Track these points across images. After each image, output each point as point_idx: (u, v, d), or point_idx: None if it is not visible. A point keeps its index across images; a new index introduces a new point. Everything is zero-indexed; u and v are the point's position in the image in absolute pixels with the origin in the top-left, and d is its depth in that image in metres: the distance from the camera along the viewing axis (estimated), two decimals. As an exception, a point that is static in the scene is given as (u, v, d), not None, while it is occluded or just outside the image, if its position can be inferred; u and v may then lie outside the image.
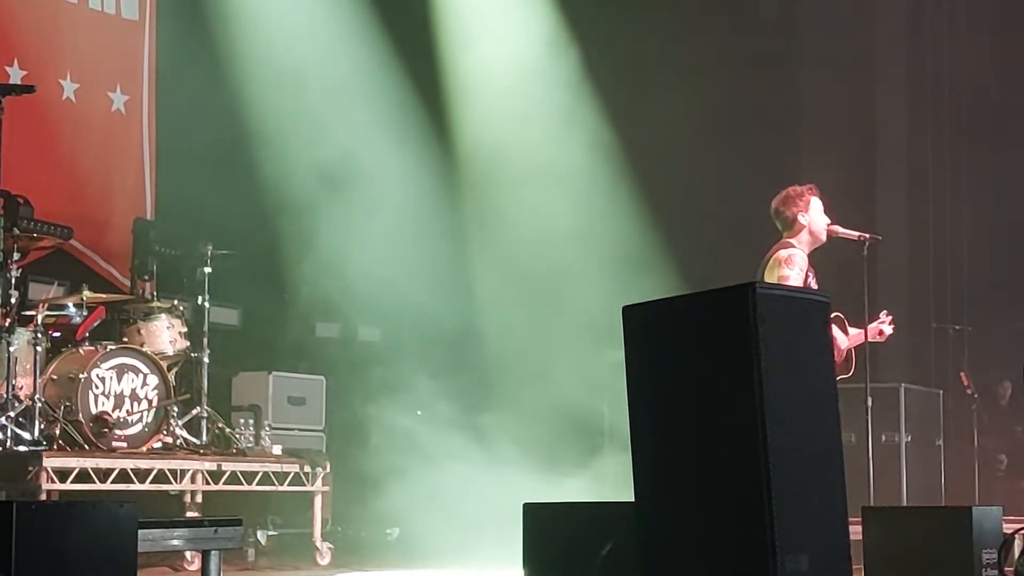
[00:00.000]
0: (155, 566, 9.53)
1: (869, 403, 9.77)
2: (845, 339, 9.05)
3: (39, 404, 9.42)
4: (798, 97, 15.04)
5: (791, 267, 8.73)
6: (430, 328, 12.74)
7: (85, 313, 10.14)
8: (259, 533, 10.99)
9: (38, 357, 9.53)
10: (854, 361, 9.22)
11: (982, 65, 14.73)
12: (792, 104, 14.97)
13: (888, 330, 9.49)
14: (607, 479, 11.80)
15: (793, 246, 8.92)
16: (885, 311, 9.58)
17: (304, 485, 10.80)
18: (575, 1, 13.85)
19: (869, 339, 9.42)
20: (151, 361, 10.17)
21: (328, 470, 10.97)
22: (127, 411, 9.98)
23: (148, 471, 9.73)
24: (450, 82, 13.71)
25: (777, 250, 8.93)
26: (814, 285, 8.72)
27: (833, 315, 6.68)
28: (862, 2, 14.78)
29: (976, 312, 14.08)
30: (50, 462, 9.15)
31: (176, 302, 10.79)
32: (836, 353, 8.32)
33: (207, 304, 10.82)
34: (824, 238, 9.11)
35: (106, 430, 9.76)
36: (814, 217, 9.03)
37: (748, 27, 14.81)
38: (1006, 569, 7.85)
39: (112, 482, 9.48)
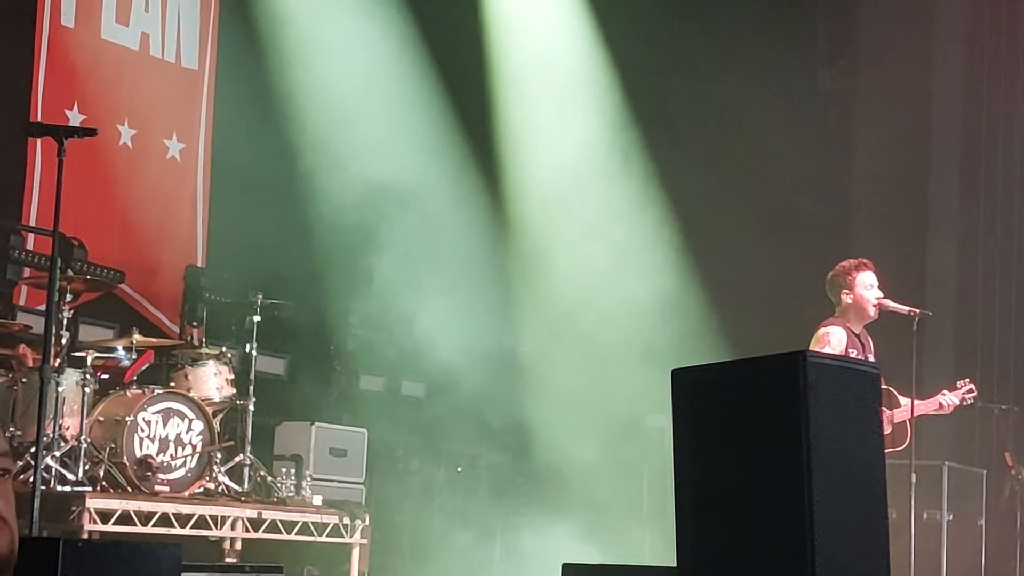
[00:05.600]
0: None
1: (913, 479, 9.72)
2: (891, 414, 9.11)
3: (84, 445, 9.47)
4: (851, 168, 15.05)
5: (823, 347, 8.90)
6: (473, 385, 12.76)
7: (134, 356, 10.21)
8: (296, 583, 11.00)
9: (86, 398, 9.58)
10: (909, 434, 9.25)
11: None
12: (845, 175, 14.98)
13: (950, 401, 9.53)
14: (646, 542, 11.79)
15: (836, 324, 9.05)
16: (967, 380, 9.66)
17: (343, 537, 10.79)
18: (632, 66, 13.95)
19: (931, 411, 9.49)
20: (197, 407, 10.21)
21: (367, 523, 10.95)
22: (171, 455, 10.01)
23: (189, 516, 9.76)
24: (502, 141, 13.79)
25: (820, 327, 9.08)
26: (860, 360, 8.78)
27: (882, 388, 6.70)
28: (918, 73, 14.76)
29: (1023, 393, 13.98)
30: (93, 503, 9.18)
31: (224, 349, 10.84)
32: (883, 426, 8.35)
33: (255, 352, 10.86)
34: (873, 313, 9.18)
35: (149, 473, 9.80)
36: (860, 293, 9.14)
37: (803, 98, 14.85)
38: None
39: (153, 526, 9.50)
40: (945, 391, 9.64)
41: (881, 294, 9.19)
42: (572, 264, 13.32)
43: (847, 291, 9.14)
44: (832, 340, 8.93)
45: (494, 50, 13.85)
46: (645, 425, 13.20)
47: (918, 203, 14.91)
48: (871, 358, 9.01)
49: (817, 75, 15.45)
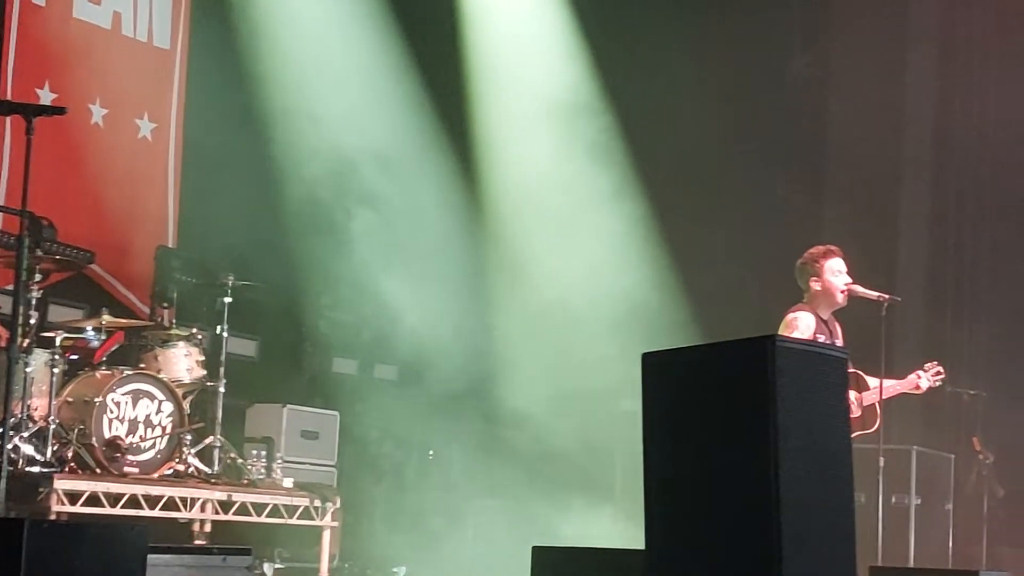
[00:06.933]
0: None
1: (881, 463, 9.77)
2: (859, 397, 9.18)
3: (53, 426, 9.42)
4: (823, 155, 15.09)
5: (792, 332, 8.98)
6: (446, 369, 12.75)
7: (103, 337, 10.17)
8: (266, 566, 10.96)
9: (54, 379, 9.54)
10: (879, 417, 9.32)
11: (1010, 126, 14.70)
12: (817, 161, 15.02)
13: (927, 383, 9.64)
14: (618, 526, 11.80)
15: (805, 309, 9.11)
16: (935, 362, 9.77)
17: (313, 519, 10.79)
18: (606, 52, 13.95)
19: (905, 390, 9.58)
20: (167, 388, 10.17)
21: (338, 505, 10.95)
22: (140, 437, 9.97)
23: (158, 498, 9.73)
24: (478, 124, 13.78)
25: (788, 312, 9.19)
26: (829, 346, 8.83)
27: (850, 371, 6.74)
28: (892, 60, 14.80)
29: (991, 378, 14.03)
30: (61, 484, 9.14)
31: (195, 331, 10.79)
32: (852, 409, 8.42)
33: (225, 334, 10.82)
34: (841, 300, 9.25)
35: (118, 455, 9.75)
36: (829, 280, 9.21)
37: (776, 84, 14.87)
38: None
39: (122, 507, 9.47)
40: (919, 372, 9.73)
41: (850, 280, 9.25)
42: (547, 249, 13.32)
43: (815, 278, 9.21)
44: (800, 325, 9.00)
45: (469, 36, 13.82)
46: (618, 409, 13.20)
47: (890, 189, 14.96)
48: (839, 344, 9.06)
49: (791, 61, 15.46)
